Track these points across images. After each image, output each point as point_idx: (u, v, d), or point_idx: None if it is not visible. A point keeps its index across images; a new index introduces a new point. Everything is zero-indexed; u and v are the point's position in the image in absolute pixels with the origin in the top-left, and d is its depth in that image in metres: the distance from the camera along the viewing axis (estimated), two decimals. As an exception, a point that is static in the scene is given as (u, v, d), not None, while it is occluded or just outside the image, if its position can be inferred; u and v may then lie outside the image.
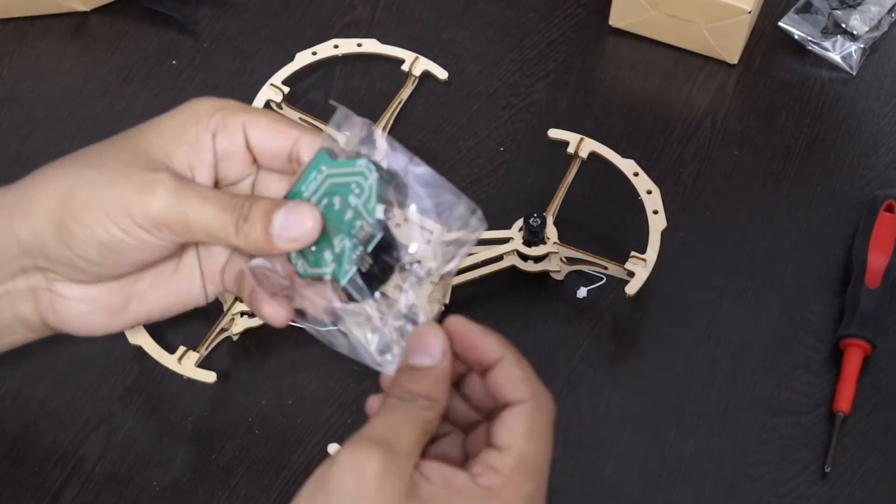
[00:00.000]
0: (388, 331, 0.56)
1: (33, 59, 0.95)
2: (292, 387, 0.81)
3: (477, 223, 0.56)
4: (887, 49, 0.98)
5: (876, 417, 0.82)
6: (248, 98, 0.89)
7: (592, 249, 0.83)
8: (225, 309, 0.81)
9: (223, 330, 0.81)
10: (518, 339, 0.56)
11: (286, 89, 0.90)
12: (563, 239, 0.83)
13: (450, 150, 0.92)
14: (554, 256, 0.83)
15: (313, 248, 0.57)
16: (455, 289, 0.82)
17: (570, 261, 0.83)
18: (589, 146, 0.87)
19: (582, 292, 0.85)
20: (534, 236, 0.82)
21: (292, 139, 0.58)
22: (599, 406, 0.82)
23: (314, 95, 0.93)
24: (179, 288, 0.61)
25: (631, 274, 0.81)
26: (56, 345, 0.82)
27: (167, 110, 0.60)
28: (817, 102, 0.95)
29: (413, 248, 0.55)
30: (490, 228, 0.58)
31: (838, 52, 0.96)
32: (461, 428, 0.57)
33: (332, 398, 0.81)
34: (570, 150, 0.87)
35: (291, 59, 0.91)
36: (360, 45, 0.93)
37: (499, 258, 0.83)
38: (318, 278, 0.56)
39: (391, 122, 0.91)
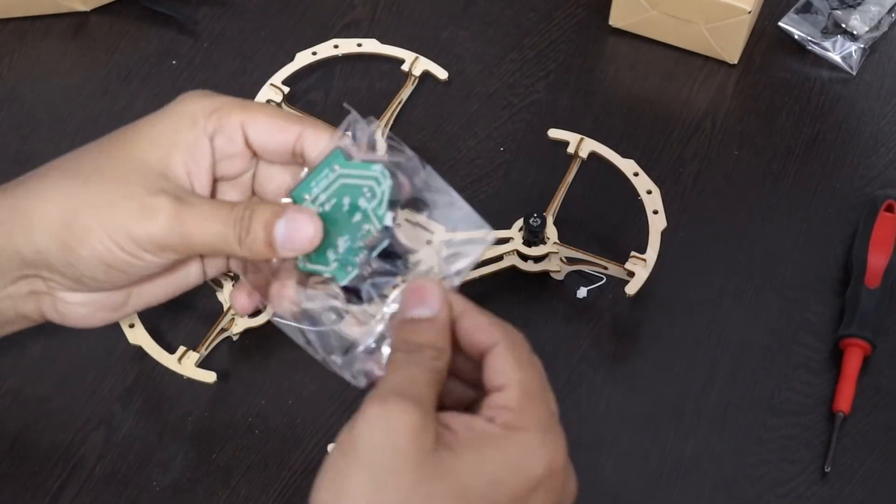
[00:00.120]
0: (379, 331, 0.56)
1: (33, 59, 0.95)
2: (292, 387, 0.81)
3: (484, 234, 0.56)
4: (887, 49, 0.98)
5: (876, 417, 0.82)
6: (247, 98, 0.89)
7: (592, 249, 0.83)
8: (225, 309, 0.81)
9: (223, 330, 0.81)
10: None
11: (286, 89, 0.90)
12: (563, 239, 0.83)
13: (450, 150, 0.92)
14: (554, 256, 0.83)
15: None
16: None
17: (570, 261, 0.83)
18: (589, 146, 0.87)
19: (582, 292, 0.85)
20: (534, 236, 0.82)
21: (294, 135, 0.57)
22: (599, 406, 0.82)
23: (314, 95, 0.93)
24: (178, 276, 0.61)
25: (631, 274, 0.81)
26: (56, 345, 0.82)
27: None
28: (817, 102, 0.95)
29: (416, 257, 0.56)
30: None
31: (838, 52, 0.96)
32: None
33: (332, 398, 0.81)
34: (570, 150, 0.87)
35: (291, 59, 0.91)
36: (360, 45, 0.93)
37: (499, 258, 0.83)
38: (318, 275, 0.56)
39: (391, 122, 0.91)
